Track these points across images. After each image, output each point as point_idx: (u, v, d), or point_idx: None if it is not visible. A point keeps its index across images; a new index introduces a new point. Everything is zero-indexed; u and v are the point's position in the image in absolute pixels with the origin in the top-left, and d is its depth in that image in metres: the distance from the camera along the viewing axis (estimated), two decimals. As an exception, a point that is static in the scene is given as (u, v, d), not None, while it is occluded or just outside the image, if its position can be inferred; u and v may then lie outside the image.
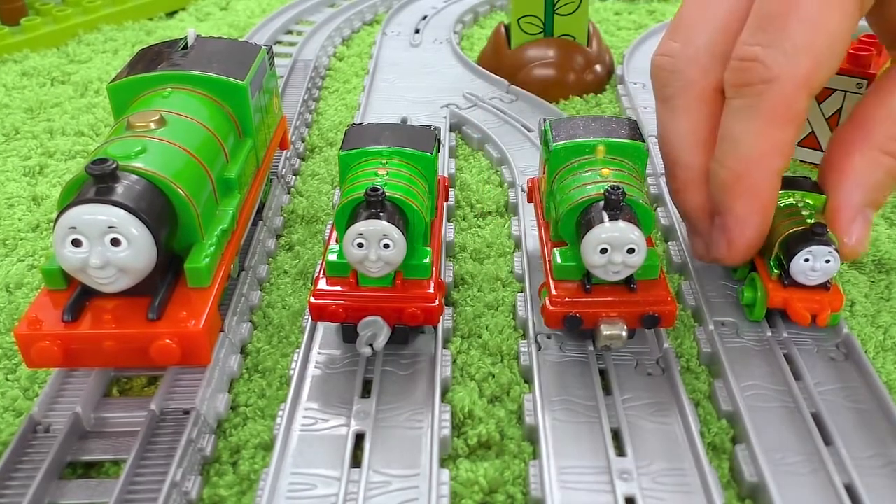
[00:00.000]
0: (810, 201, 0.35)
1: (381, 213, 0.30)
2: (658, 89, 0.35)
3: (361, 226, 0.30)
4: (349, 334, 0.32)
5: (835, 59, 0.30)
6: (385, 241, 0.30)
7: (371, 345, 0.31)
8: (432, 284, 0.32)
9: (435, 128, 0.36)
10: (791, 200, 0.35)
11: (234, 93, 0.37)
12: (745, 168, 0.31)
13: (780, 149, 0.31)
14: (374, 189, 0.30)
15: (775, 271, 0.34)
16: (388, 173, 0.32)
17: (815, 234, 0.32)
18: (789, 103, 0.30)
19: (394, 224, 0.30)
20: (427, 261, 0.32)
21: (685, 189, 0.35)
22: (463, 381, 0.33)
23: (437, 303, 0.31)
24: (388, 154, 0.34)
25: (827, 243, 0.32)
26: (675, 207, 0.38)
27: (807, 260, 0.32)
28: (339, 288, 0.32)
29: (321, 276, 0.32)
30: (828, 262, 0.32)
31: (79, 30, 0.70)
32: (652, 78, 0.35)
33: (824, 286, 0.33)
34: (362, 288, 0.32)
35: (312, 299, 0.32)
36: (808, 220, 0.33)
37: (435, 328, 0.35)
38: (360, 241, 0.30)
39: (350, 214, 0.31)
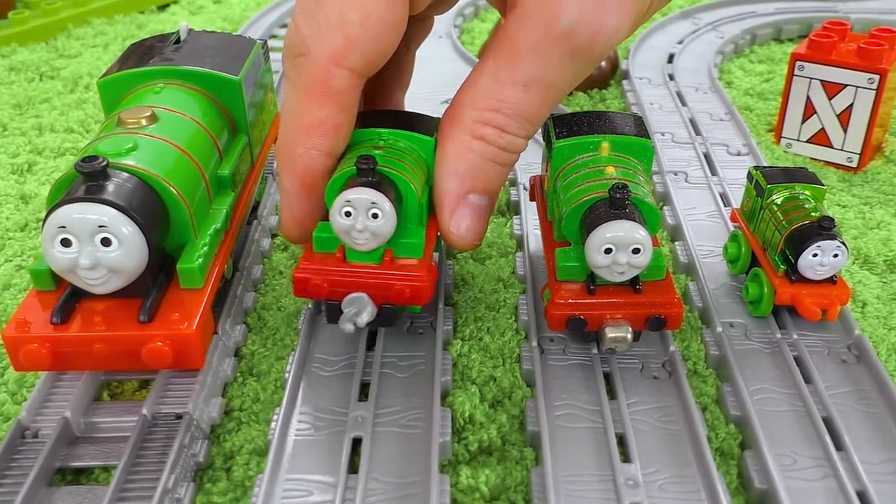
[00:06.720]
0: (808, 192, 0.35)
1: (371, 182, 0.29)
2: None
3: (350, 193, 0.29)
4: (333, 314, 0.31)
5: (373, 40, 0.29)
6: (374, 211, 0.29)
7: (354, 322, 0.30)
8: (423, 264, 0.31)
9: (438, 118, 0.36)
10: (788, 194, 0.35)
11: (227, 88, 0.36)
12: (290, 141, 0.31)
13: (320, 127, 0.30)
14: (366, 158, 0.29)
15: (781, 267, 0.33)
16: (384, 150, 0.32)
17: (823, 229, 0.32)
18: (322, 79, 0.29)
19: (384, 194, 0.29)
20: (419, 240, 0.31)
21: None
22: (463, 385, 0.33)
23: (425, 280, 0.30)
24: (388, 135, 0.33)
25: (835, 237, 0.32)
26: None
27: (815, 255, 0.32)
28: (324, 263, 0.31)
29: (308, 251, 0.31)
30: (836, 256, 0.32)
31: (68, 23, 0.70)
32: None
33: (830, 280, 0.33)
34: (349, 263, 0.31)
35: (296, 273, 0.31)
36: (813, 214, 0.33)
37: (434, 329, 0.34)
38: (347, 209, 0.29)
39: (341, 188, 0.30)
